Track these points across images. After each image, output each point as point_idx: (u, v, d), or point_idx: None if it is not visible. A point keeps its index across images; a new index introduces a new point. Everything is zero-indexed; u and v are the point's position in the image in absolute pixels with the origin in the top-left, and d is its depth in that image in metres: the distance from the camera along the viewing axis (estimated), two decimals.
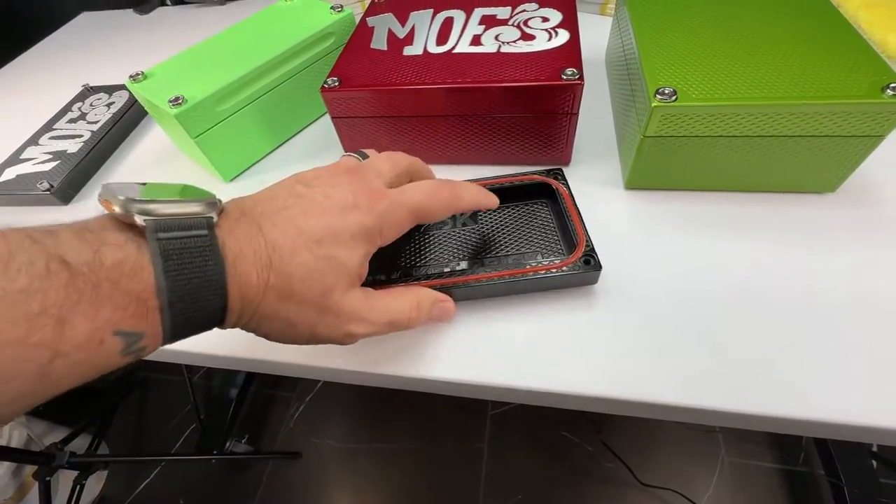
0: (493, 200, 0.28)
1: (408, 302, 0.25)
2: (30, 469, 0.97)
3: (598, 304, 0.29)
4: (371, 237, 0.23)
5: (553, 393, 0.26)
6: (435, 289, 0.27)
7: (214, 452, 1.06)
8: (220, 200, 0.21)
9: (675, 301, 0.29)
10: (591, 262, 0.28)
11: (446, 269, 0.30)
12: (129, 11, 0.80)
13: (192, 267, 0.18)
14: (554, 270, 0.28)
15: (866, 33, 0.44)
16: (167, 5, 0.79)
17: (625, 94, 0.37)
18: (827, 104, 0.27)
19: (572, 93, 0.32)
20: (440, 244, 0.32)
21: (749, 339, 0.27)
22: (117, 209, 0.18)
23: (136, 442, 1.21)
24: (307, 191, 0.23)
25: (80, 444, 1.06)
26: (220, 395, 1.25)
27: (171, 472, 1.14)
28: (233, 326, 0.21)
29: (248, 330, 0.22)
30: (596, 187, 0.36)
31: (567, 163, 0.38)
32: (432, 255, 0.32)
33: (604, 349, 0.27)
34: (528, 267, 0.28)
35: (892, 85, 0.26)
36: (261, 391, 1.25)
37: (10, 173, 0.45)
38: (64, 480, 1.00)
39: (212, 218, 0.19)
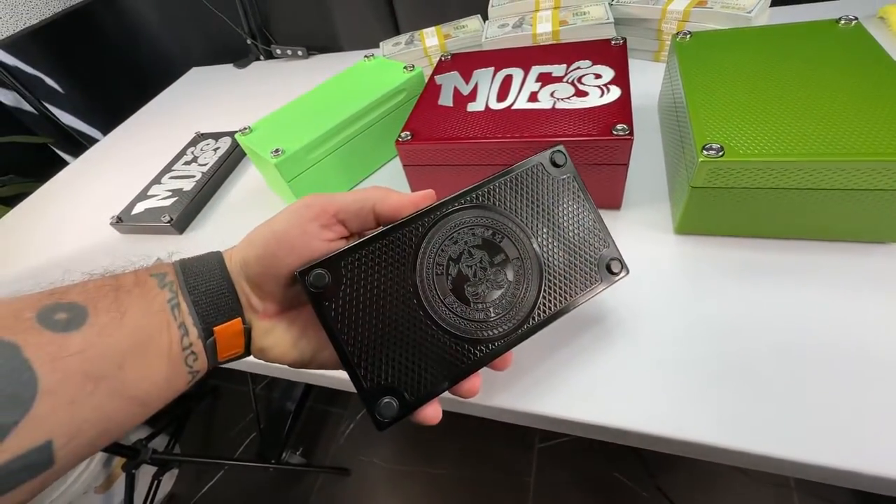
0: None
1: None
2: (118, 461, 1.10)
3: (642, 341, 0.31)
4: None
5: (595, 425, 0.28)
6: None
7: (272, 462, 1.13)
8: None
9: (721, 343, 0.30)
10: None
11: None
12: (230, 66, 0.94)
13: (204, 284, 0.24)
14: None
15: None
16: (261, 60, 0.92)
17: (675, 142, 0.39)
18: (881, 161, 0.28)
19: (622, 147, 0.35)
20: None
21: (801, 386, 0.27)
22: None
23: (205, 445, 1.32)
24: None
25: (159, 443, 1.17)
26: (279, 407, 1.34)
27: (232, 477, 1.22)
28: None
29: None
30: (646, 230, 0.38)
31: (618, 207, 0.40)
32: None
33: (647, 386, 0.29)
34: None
35: None
36: (316, 406, 1.32)
37: (140, 207, 0.55)
38: (143, 475, 1.11)
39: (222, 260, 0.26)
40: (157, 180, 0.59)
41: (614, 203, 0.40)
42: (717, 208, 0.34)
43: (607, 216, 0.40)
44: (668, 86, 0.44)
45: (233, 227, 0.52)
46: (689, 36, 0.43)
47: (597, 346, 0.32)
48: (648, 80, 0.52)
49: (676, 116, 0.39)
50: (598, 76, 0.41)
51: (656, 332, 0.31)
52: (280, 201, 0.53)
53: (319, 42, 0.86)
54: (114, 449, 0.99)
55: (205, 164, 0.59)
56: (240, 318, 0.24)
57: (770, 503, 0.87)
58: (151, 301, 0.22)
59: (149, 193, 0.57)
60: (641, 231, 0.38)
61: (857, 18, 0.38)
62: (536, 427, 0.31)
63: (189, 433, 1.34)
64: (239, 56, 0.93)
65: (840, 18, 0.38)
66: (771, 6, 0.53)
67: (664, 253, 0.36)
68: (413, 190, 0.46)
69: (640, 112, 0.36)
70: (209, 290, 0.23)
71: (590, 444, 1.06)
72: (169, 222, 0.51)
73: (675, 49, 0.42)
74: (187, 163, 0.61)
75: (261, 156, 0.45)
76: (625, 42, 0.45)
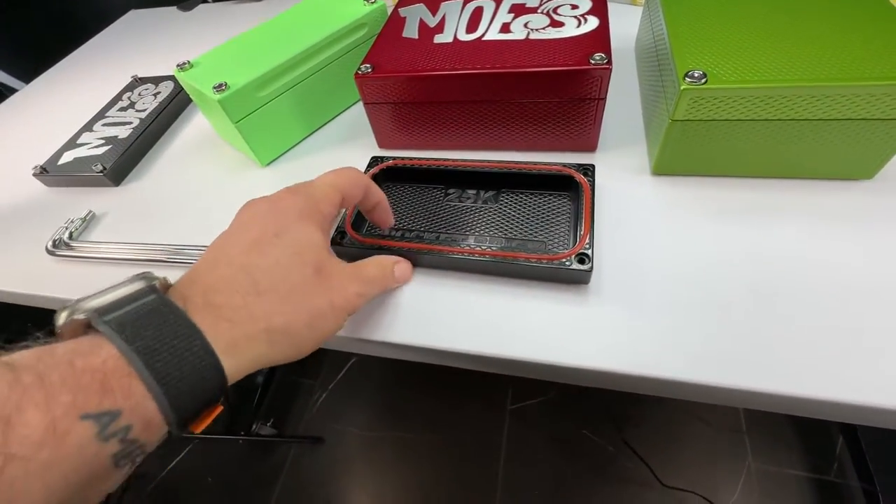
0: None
1: (374, 264, 0.28)
2: None
3: (617, 288, 0.30)
4: (310, 213, 0.25)
5: (568, 367, 0.27)
6: (424, 254, 0.31)
7: (241, 433, 1.10)
8: (156, 278, 0.21)
9: (698, 284, 0.29)
10: (584, 262, 0.28)
11: (447, 237, 0.33)
12: (173, 9, 0.84)
13: (153, 328, 0.17)
14: (545, 262, 0.28)
15: None
16: (208, 2, 0.83)
17: (654, 81, 0.37)
18: (865, 86, 0.26)
19: (600, 77, 0.32)
20: (458, 215, 0.35)
21: (776, 322, 0.26)
22: (62, 317, 0.17)
23: None
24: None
25: None
26: (248, 379, 1.30)
27: (201, 451, 1.19)
28: (249, 364, 0.20)
29: (272, 358, 0.21)
30: (622, 172, 0.36)
31: (594, 149, 0.38)
32: (447, 224, 0.34)
33: (621, 328, 0.28)
34: (522, 253, 0.29)
35: None
36: (285, 378, 1.29)
37: (69, 156, 0.49)
38: None
39: (154, 284, 0.19)
40: (87, 128, 0.53)
41: (590, 145, 0.38)
42: (696, 145, 0.32)
43: (581, 159, 0.38)
44: (647, 24, 0.42)
45: (177, 177, 0.47)
46: None
47: (573, 290, 0.30)
48: (626, 22, 0.49)
49: (657, 53, 0.37)
50: (574, 6, 0.38)
51: (632, 275, 0.30)
52: (230, 150, 0.48)
53: None
54: None
55: (143, 110, 0.53)
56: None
57: (726, 448, 0.93)
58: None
59: (78, 142, 0.51)
60: (617, 173, 0.36)
61: None
62: (507, 373, 0.29)
63: None
64: None
65: None
66: None
67: (641, 194, 0.35)
68: (376, 132, 0.42)
69: (617, 55, 0.33)
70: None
71: (558, 404, 1.09)
72: (101, 172, 0.46)
73: None
74: (123, 109, 0.55)
75: (202, 92, 0.40)
76: None
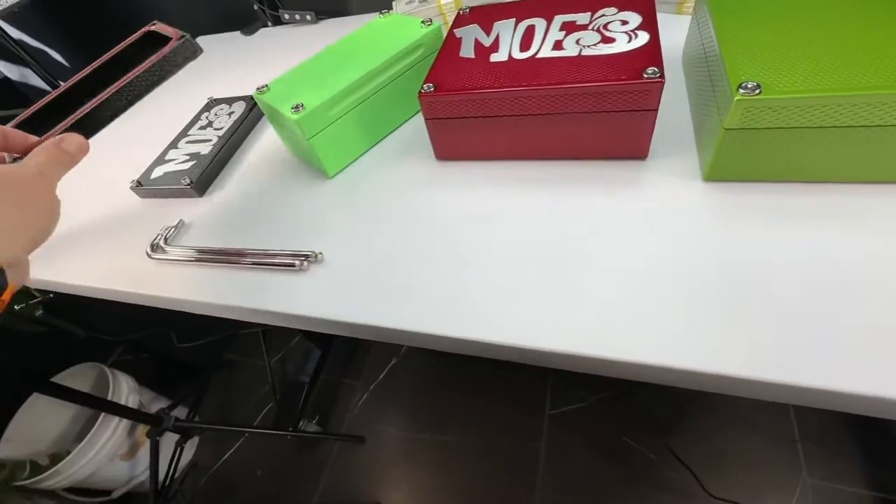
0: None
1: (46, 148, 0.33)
2: (142, 429, 1.13)
3: (672, 284, 0.31)
4: None
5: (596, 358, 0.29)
6: None
7: (290, 429, 1.16)
8: None
9: (753, 286, 0.30)
10: None
11: None
12: (237, 34, 0.92)
13: None
14: None
15: None
16: (269, 26, 0.90)
17: (704, 89, 0.38)
18: None
19: (653, 90, 0.34)
20: None
21: (839, 320, 0.27)
22: None
23: (224, 415, 1.36)
24: None
25: (180, 413, 1.20)
26: (294, 379, 1.37)
27: (252, 445, 1.26)
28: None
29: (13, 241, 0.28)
30: (674, 178, 0.38)
31: (645, 155, 0.40)
32: None
33: (678, 324, 0.29)
34: None
35: None
36: (329, 378, 1.35)
37: (159, 171, 0.55)
38: (166, 443, 1.14)
39: None
40: (173, 145, 0.59)
41: (641, 152, 0.40)
42: (750, 152, 0.33)
43: (633, 166, 0.40)
44: (696, 34, 0.43)
45: (252, 187, 0.52)
46: None
47: (634, 288, 0.32)
48: (673, 33, 0.50)
49: (707, 63, 0.38)
50: (624, 22, 0.40)
51: (687, 277, 0.32)
52: (298, 162, 0.53)
53: (328, 6, 0.84)
54: (138, 417, 1.02)
55: (220, 128, 0.59)
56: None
57: (779, 460, 0.89)
58: None
59: (166, 158, 0.57)
60: (669, 179, 0.38)
61: None
62: (556, 367, 0.31)
63: (207, 405, 1.38)
64: (246, 23, 0.92)
65: None
66: None
67: (693, 200, 0.36)
68: (435, 144, 0.46)
69: (665, 64, 0.35)
70: None
71: (600, 409, 1.08)
72: (189, 185, 0.51)
73: None
74: (202, 127, 0.61)
75: (280, 112, 0.45)
76: None
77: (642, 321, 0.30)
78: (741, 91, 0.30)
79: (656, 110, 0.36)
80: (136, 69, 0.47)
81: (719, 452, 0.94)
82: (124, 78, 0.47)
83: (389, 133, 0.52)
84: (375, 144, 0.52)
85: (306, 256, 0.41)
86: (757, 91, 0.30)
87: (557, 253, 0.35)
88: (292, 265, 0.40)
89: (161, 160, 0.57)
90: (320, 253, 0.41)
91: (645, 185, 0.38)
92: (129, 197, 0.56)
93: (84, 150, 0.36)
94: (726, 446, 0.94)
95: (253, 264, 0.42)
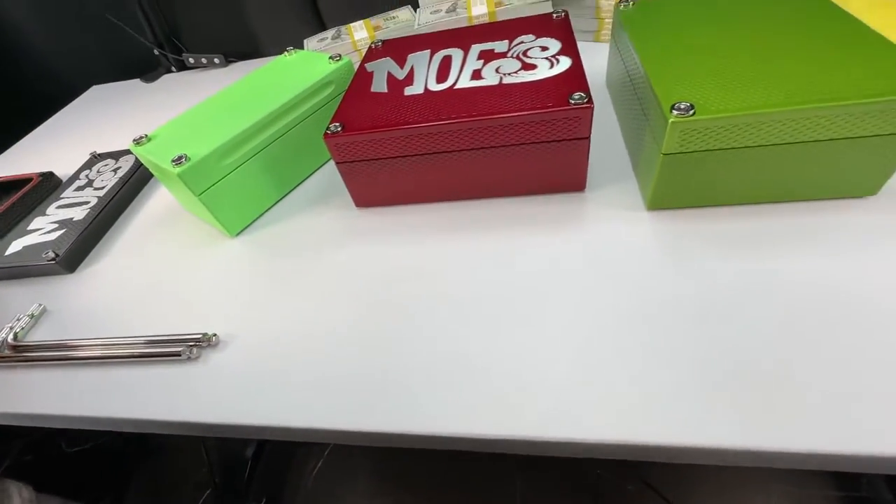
0: None
1: None
2: None
3: (621, 330, 0.27)
4: None
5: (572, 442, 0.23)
6: None
7: None
8: None
9: (707, 323, 0.26)
10: None
11: None
12: (137, 81, 0.83)
13: None
14: None
15: None
16: (172, 72, 0.82)
17: (636, 116, 0.36)
18: (854, 104, 0.25)
19: (582, 117, 0.31)
20: None
21: (792, 357, 0.24)
22: None
23: None
24: None
25: None
26: (236, 455, 1.20)
27: None
28: None
29: None
30: (617, 211, 0.34)
31: (583, 188, 0.36)
32: None
33: (624, 378, 0.24)
34: None
35: None
36: (277, 447, 1.20)
37: (17, 245, 0.45)
38: None
39: None
40: (40, 212, 0.49)
41: (578, 184, 0.36)
42: (690, 177, 0.30)
43: (572, 200, 0.36)
44: (618, 59, 0.41)
45: (140, 259, 0.43)
46: (630, 3, 0.40)
47: (566, 341, 0.27)
48: (593, 60, 0.49)
49: (633, 88, 0.36)
50: (544, 48, 0.38)
51: (638, 318, 0.27)
52: (197, 222, 0.45)
53: (238, 48, 0.78)
54: None
55: (101, 188, 0.50)
56: None
57: (749, 475, 0.88)
58: None
59: (29, 228, 0.47)
60: (612, 212, 0.34)
61: None
62: (485, 451, 0.26)
63: (134, 501, 1.17)
64: (147, 70, 0.83)
65: None
66: None
67: (639, 232, 0.32)
68: (352, 191, 0.40)
69: (591, 91, 0.32)
70: None
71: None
72: (53, 260, 0.42)
73: (621, 18, 0.39)
74: (80, 188, 0.51)
75: (161, 167, 0.37)
76: (566, 14, 0.42)
77: (601, 399, 0.25)
78: (675, 112, 0.27)
79: (588, 138, 0.32)
80: None
81: (689, 476, 0.91)
82: None
83: (302, 181, 0.46)
84: (288, 194, 0.45)
85: (196, 341, 0.33)
86: (691, 112, 0.27)
87: (494, 314, 0.30)
88: (178, 354, 0.32)
89: (22, 231, 0.47)
90: (214, 335, 0.33)
91: (587, 222, 0.34)
92: None
93: None
94: (695, 472, 0.91)
95: (129, 358, 0.33)
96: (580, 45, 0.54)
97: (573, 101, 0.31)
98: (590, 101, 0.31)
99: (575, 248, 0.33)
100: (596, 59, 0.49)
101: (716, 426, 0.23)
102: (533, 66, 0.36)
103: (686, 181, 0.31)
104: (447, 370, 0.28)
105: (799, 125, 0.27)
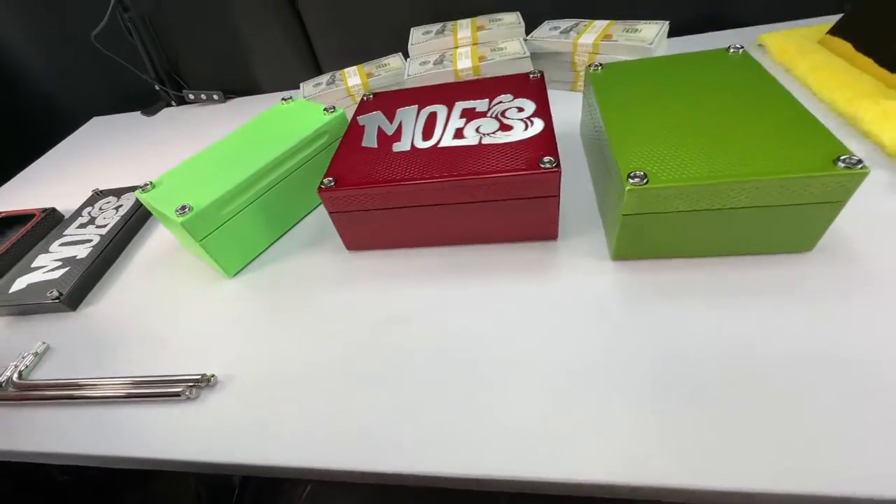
0: None
1: None
2: None
3: (582, 376, 0.30)
4: None
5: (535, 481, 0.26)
6: None
7: None
8: None
9: (662, 367, 0.29)
10: None
11: None
12: (138, 114, 0.86)
13: None
14: None
15: (816, 94, 0.48)
16: (172, 106, 0.86)
17: (602, 170, 0.39)
18: (787, 178, 0.29)
19: (551, 179, 0.35)
20: None
21: (737, 407, 0.27)
22: None
23: None
24: None
25: None
26: (223, 482, 1.19)
27: None
28: None
29: None
30: (585, 259, 0.38)
31: (555, 237, 0.40)
32: None
33: (589, 423, 0.27)
34: None
35: (843, 157, 0.29)
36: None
37: (21, 283, 0.47)
38: None
39: None
40: (43, 249, 0.51)
41: (550, 234, 0.39)
42: (649, 233, 0.34)
43: (545, 248, 0.40)
44: (588, 114, 0.45)
45: (140, 297, 0.45)
46: (600, 67, 0.44)
47: (534, 389, 0.30)
48: (569, 108, 0.53)
49: (599, 145, 0.40)
50: (520, 109, 0.41)
51: (599, 363, 0.30)
52: (195, 260, 0.48)
53: (237, 85, 0.82)
54: None
55: (104, 226, 0.52)
56: None
57: None
58: None
59: (32, 266, 0.49)
60: (580, 260, 0.38)
61: (742, 47, 0.41)
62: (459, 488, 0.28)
63: None
64: (148, 104, 0.87)
65: (729, 47, 0.42)
66: (669, 37, 0.57)
67: (603, 281, 0.36)
68: (343, 236, 0.43)
69: (565, 139, 0.36)
70: None
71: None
72: (57, 298, 0.44)
73: (590, 80, 0.43)
74: (82, 225, 0.54)
75: (166, 215, 0.40)
76: (542, 75, 0.46)
77: (567, 439, 0.28)
78: (631, 181, 0.31)
79: (557, 196, 0.36)
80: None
81: None
82: None
83: (294, 224, 0.49)
84: (282, 236, 0.48)
85: (195, 382, 0.35)
86: (644, 181, 0.31)
87: (470, 359, 0.33)
88: (177, 394, 0.34)
89: (25, 268, 0.49)
90: (213, 375, 0.35)
91: (557, 269, 0.38)
92: None
93: None
94: None
95: (128, 397, 0.36)
96: (559, 94, 0.59)
97: (543, 166, 0.34)
98: (557, 165, 0.34)
99: (547, 293, 0.36)
100: (571, 108, 0.53)
101: (664, 464, 0.25)
102: (510, 128, 0.39)
103: (644, 237, 0.34)
104: (426, 409, 0.30)
105: (740, 194, 0.30)
